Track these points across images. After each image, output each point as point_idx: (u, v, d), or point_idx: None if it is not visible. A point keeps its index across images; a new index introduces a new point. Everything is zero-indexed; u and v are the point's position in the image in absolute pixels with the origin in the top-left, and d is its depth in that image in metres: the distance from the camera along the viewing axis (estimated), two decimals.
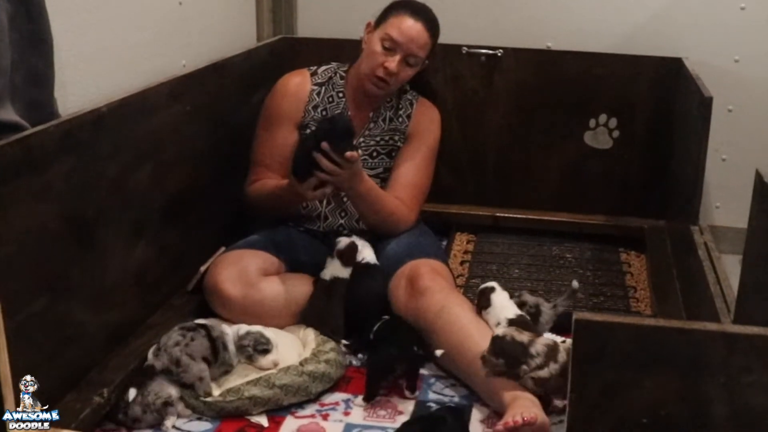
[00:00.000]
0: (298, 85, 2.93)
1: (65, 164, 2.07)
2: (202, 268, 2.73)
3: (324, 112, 2.89)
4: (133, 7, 2.66)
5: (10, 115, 2.01)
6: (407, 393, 2.39)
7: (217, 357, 2.35)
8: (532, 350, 2.24)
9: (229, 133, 2.97)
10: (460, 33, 3.53)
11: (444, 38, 3.26)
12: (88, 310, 2.20)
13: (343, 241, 2.68)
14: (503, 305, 2.49)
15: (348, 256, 2.65)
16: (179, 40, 2.95)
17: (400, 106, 2.95)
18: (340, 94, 2.92)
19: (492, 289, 2.52)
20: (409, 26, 2.77)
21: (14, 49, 2.02)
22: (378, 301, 2.65)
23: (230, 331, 2.42)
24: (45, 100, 2.14)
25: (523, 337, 2.27)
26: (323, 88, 2.93)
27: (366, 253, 2.69)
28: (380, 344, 2.45)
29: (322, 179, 2.57)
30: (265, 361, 2.39)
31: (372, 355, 2.48)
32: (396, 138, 2.93)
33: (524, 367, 2.24)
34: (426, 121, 2.97)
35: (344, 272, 2.65)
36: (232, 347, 2.38)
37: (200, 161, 2.82)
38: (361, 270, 2.66)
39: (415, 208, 2.91)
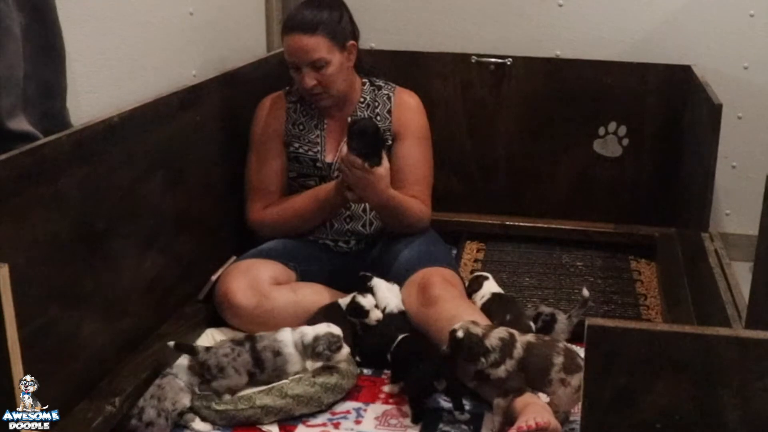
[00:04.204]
0: (275, 105, 2.97)
1: (77, 173, 2.08)
2: (213, 277, 2.74)
3: (301, 127, 2.92)
4: (144, 18, 2.67)
5: (22, 125, 2.03)
6: (457, 414, 2.33)
7: (262, 367, 2.37)
8: (488, 344, 2.24)
9: (240, 142, 2.98)
10: (470, 42, 3.54)
11: (453, 47, 3.27)
12: (99, 318, 2.21)
13: (348, 299, 2.65)
14: (491, 286, 2.78)
15: (354, 314, 2.65)
16: (190, 50, 2.97)
17: (377, 103, 2.95)
18: (313, 106, 2.93)
19: (486, 278, 2.81)
20: (290, 45, 2.79)
21: (27, 59, 2.04)
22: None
23: (288, 337, 2.41)
24: (57, 110, 2.16)
25: (478, 329, 2.27)
26: (298, 105, 2.95)
27: (390, 303, 2.66)
28: (408, 363, 2.42)
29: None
30: (341, 356, 2.41)
31: (404, 374, 2.44)
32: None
33: (482, 359, 2.23)
34: (409, 113, 2.97)
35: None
36: (289, 350, 2.38)
37: (211, 171, 2.83)
38: (385, 320, 2.64)
39: (430, 201, 2.95)
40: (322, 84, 2.80)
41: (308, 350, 2.38)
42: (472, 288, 2.78)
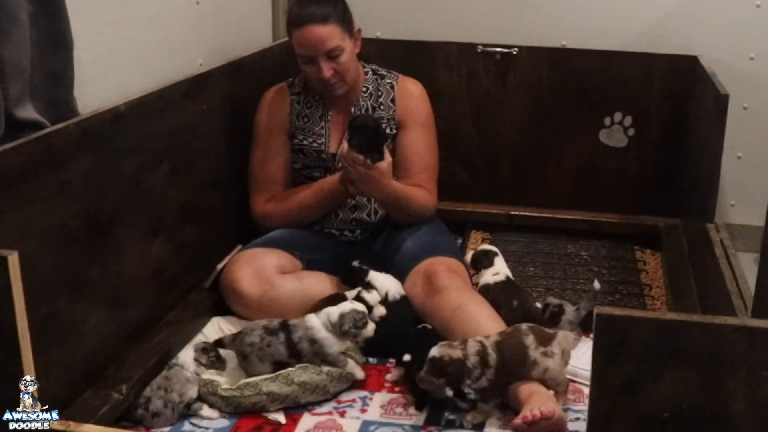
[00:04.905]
0: (278, 97, 2.97)
1: (84, 162, 2.09)
2: (219, 266, 2.74)
3: (305, 119, 2.92)
4: (150, 7, 2.67)
5: (30, 113, 2.03)
6: (458, 402, 2.32)
7: (300, 357, 2.39)
8: (469, 364, 2.22)
9: (245, 131, 2.98)
10: (476, 32, 3.54)
11: (459, 37, 3.25)
12: (106, 307, 2.22)
13: (354, 294, 2.63)
14: (503, 266, 2.77)
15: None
16: (196, 39, 2.97)
17: (380, 92, 2.95)
18: (317, 98, 2.94)
19: (496, 253, 2.79)
20: (304, 37, 2.76)
21: (34, 48, 2.04)
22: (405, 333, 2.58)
23: (317, 323, 2.41)
24: (64, 99, 2.16)
25: (457, 352, 2.23)
26: (301, 96, 2.95)
27: (391, 289, 2.67)
28: (412, 353, 2.41)
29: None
30: (368, 330, 2.42)
31: (408, 365, 2.43)
32: (384, 126, 2.92)
33: (467, 381, 2.23)
34: (413, 101, 2.97)
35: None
36: (323, 335, 2.39)
37: (216, 159, 2.84)
38: (388, 307, 2.63)
39: (435, 189, 2.95)
40: (338, 73, 2.79)
41: (336, 329, 2.38)
42: (482, 264, 2.77)
